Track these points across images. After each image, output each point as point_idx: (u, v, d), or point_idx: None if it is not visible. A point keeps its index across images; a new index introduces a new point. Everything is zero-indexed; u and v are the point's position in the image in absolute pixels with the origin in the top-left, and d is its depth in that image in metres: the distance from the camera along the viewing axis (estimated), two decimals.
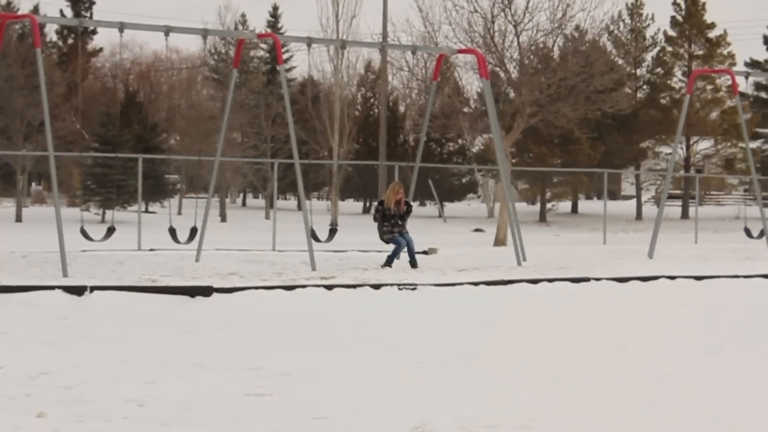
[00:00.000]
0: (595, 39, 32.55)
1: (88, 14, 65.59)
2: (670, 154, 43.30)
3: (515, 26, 28.48)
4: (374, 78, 60.13)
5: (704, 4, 55.97)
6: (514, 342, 9.81)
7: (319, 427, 6.19)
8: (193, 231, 16.40)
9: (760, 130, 56.62)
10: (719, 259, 18.83)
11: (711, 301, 13.11)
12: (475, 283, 13.05)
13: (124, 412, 6.37)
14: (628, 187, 69.55)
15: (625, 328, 10.91)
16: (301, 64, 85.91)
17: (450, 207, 58.18)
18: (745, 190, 64.04)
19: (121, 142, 43.77)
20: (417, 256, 16.19)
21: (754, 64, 58.73)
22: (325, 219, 30.49)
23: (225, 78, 47.74)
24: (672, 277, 14.33)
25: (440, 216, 49.11)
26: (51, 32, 64.59)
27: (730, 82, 46.44)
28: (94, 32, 67.15)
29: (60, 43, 65.90)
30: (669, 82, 56.20)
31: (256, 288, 12.09)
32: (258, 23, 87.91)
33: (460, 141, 58.49)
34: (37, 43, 14.58)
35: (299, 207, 20.23)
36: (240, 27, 59.76)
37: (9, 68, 40.81)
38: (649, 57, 57.14)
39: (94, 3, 66.34)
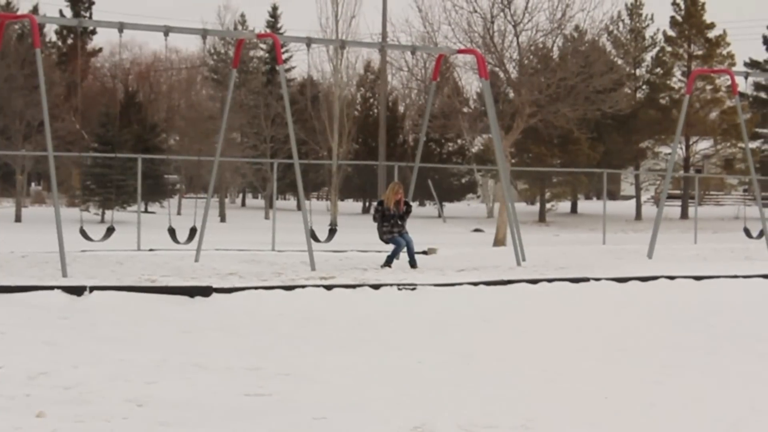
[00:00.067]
0: (594, 39, 32.57)
1: (87, 14, 65.60)
2: (669, 154, 43.30)
3: (515, 26, 28.49)
4: (374, 78, 60.15)
5: (704, 4, 56.00)
6: (514, 342, 9.81)
7: (318, 427, 6.19)
8: (193, 231, 16.39)
9: (760, 130, 56.66)
10: (718, 260, 18.82)
11: (710, 301, 13.11)
12: (475, 283, 13.05)
13: (123, 412, 6.37)
14: (627, 187, 69.58)
15: (624, 328, 10.91)
16: (300, 64, 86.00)
17: (449, 207, 58.18)
18: (745, 190, 64.07)
19: (120, 142, 43.79)
20: (416, 256, 16.18)
21: (753, 64, 58.77)
22: (325, 219, 30.48)
23: (224, 78, 47.75)
24: (671, 277, 14.32)
25: (440, 216, 49.11)
26: (50, 32, 64.67)
27: (729, 82, 46.48)
28: (93, 32, 67.16)
29: (59, 43, 65.90)
30: (668, 82, 56.23)
31: (256, 288, 12.08)
32: (257, 23, 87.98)
33: (459, 141, 58.52)
34: (37, 44, 14.57)
35: (299, 207, 20.24)
36: (239, 27, 59.80)
37: (8, 68, 40.82)
38: (648, 57, 57.22)
39: (93, 3, 66.37)
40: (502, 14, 28.31)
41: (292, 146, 16.16)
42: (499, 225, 27.30)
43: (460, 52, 22.30)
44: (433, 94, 20.32)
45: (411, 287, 12.58)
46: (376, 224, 16.17)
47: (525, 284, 13.32)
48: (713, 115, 55.11)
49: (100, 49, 68.69)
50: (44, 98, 14.49)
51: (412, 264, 15.77)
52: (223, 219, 47.02)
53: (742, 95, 51.86)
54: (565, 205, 58.97)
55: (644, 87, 56.75)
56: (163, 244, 18.32)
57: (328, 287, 12.33)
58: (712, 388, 7.67)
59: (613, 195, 68.59)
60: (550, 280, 13.63)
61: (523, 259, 16.93)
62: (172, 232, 16.05)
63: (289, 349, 9.01)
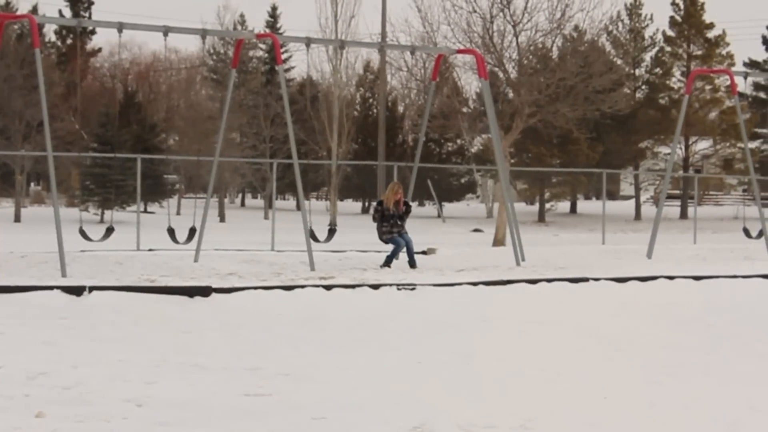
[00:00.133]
0: (593, 39, 32.57)
1: (86, 14, 65.57)
2: (668, 154, 43.33)
3: (514, 26, 28.49)
4: (373, 78, 60.15)
5: (703, 4, 56.01)
6: (513, 342, 9.81)
7: (317, 427, 6.19)
8: (192, 231, 16.39)
9: (759, 130, 56.66)
10: (718, 260, 18.83)
11: (710, 301, 13.11)
12: (474, 283, 13.05)
13: (123, 412, 6.37)
14: (626, 187, 69.59)
15: (623, 328, 10.91)
16: (300, 64, 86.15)
17: (449, 207, 58.19)
18: (744, 190, 64.10)
19: (119, 142, 43.79)
20: (416, 256, 16.18)
21: (752, 64, 58.81)
22: (324, 219, 30.49)
23: (224, 78, 47.76)
24: (671, 277, 14.32)
25: (439, 216, 49.11)
26: (50, 32, 64.65)
27: (728, 82, 46.59)
28: (92, 32, 67.15)
29: (59, 43, 65.87)
30: (668, 82, 56.24)
31: (255, 288, 12.09)
32: (257, 23, 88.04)
33: (458, 141, 58.54)
34: (36, 44, 14.57)
35: (298, 207, 20.24)
36: (239, 27, 59.82)
37: (8, 68, 40.82)
38: (647, 57, 57.24)
39: (92, 3, 66.33)
40: (501, 14, 28.32)
41: (292, 146, 16.16)
42: (499, 225, 27.30)
43: (459, 52, 22.31)
44: (433, 94, 20.32)
45: (410, 287, 12.58)
46: (375, 224, 16.18)
47: (524, 284, 13.32)
48: (712, 115, 55.13)
49: (100, 49, 68.69)
50: (43, 98, 14.49)
51: (412, 264, 15.77)
52: (222, 219, 47.02)
53: (742, 95, 51.89)
54: (564, 205, 58.98)
55: (643, 87, 56.77)
56: (163, 244, 18.32)
57: (328, 287, 12.33)
58: (712, 387, 7.67)
59: (613, 195, 68.61)
60: (549, 280, 13.64)
61: (523, 259, 16.93)
62: (171, 232, 16.05)
63: (289, 349, 9.01)
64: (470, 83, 40.30)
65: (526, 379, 7.85)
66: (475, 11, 28.23)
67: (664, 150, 55.61)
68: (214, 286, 11.95)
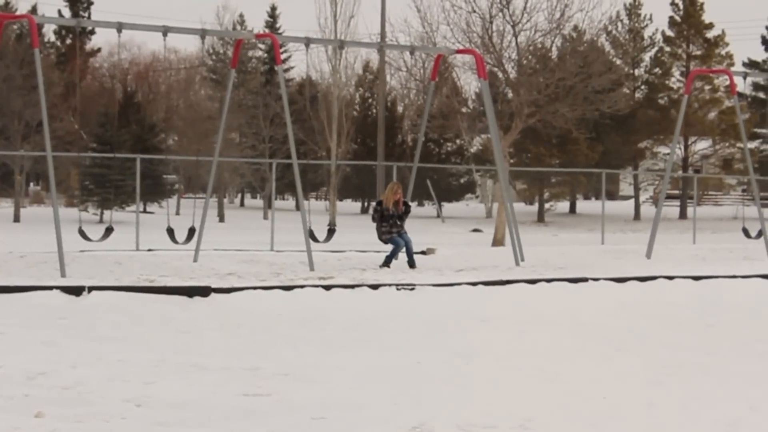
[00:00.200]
0: (593, 39, 32.58)
1: (86, 14, 65.58)
2: (668, 154, 43.33)
3: (513, 26, 28.48)
4: (372, 78, 60.16)
5: (702, 4, 56.03)
6: (512, 342, 9.80)
7: (317, 427, 6.18)
8: (191, 231, 16.39)
9: (758, 131, 56.69)
10: (717, 260, 18.84)
11: (709, 301, 13.11)
12: (473, 284, 13.05)
13: (122, 412, 6.37)
14: (626, 188, 69.61)
15: (623, 328, 10.91)
16: (299, 64, 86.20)
17: (448, 207, 58.20)
18: (743, 191, 64.12)
19: (119, 143, 43.79)
20: (415, 257, 16.19)
21: (752, 64, 58.84)
22: (324, 219, 30.47)
23: (223, 78, 47.80)
24: (670, 278, 14.32)
25: (438, 216, 49.12)
26: (49, 32, 64.65)
27: (728, 83, 46.59)
28: (92, 32, 67.14)
29: (58, 43, 65.86)
30: (667, 82, 56.27)
31: (255, 288, 12.08)
32: (256, 23, 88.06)
33: (458, 141, 58.57)
34: (35, 44, 14.57)
35: (297, 207, 20.23)
36: (238, 27, 59.84)
37: (7, 68, 40.81)
38: (647, 57, 57.28)
39: (92, 3, 66.35)
40: (500, 14, 28.31)
41: (291, 146, 16.16)
42: (498, 225, 27.30)
43: (458, 52, 22.32)
44: (432, 94, 20.32)
45: (410, 287, 12.58)
46: (375, 224, 16.18)
47: (524, 284, 13.32)
48: (712, 115, 55.16)
49: (99, 49, 68.69)
50: (43, 98, 14.49)
51: (411, 264, 15.78)
52: (221, 219, 47.02)
53: (741, 95, 51.89)
54: (563, 205, 58.99)
55: (643, 87, 56.79)
56: (162, 244, 18.32)
57: (327, 287, 12.33)
58: (712, 387, 7.67)
59: (612, 195, 68.63)
60: (548, 281, 13.64)
61: (522, 260, 16.93)
62: (170, 232, 16.05)
63: (288, 349, 9.01)
64: (469, 83, 40.36)
65: (525, 379, 7.85)
66: (474, 11, 28.25)
67: (663, 150, 55.63)
68: (213, 286, 11.94)
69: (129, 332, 9.59)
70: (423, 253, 19.61)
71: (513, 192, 42.43)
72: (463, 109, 36.35)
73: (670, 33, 56.51)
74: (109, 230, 15.59)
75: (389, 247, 16.08)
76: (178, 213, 44.04)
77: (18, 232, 30.56)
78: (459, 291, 12.72)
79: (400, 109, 61.42)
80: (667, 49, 56.52)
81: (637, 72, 56.68)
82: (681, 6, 56.14)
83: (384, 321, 10.87)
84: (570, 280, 13.76)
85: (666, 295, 13.39)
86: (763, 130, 57.47)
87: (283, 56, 53.13)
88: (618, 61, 50.88)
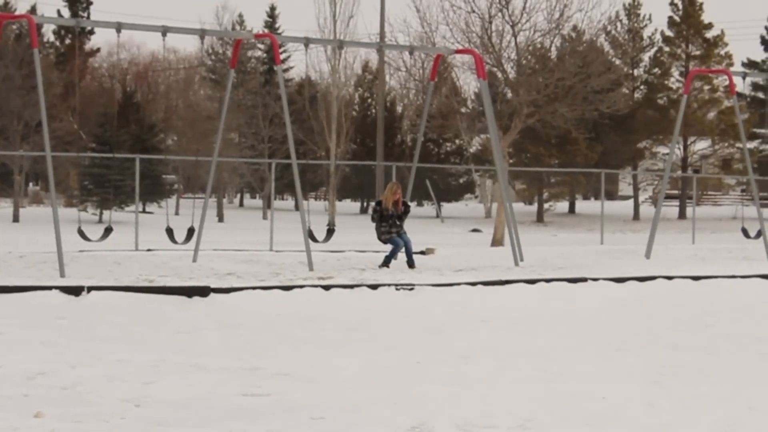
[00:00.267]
0: (592, 39, 32.60)
1: (85, 14, 65.54)
2: (667, 154, 43.33)
3: (512, 26, 28.49)
4: (372, 78, 60.15)
5: (701, 4, 56.04)
6: (512, 342, 9.80)
7: (316, 427, 6.18)
8: (191, 231, 16.40)
9: (758, 131, 56.70)
10: (716, 260, 18.84)
11: (708, 301, 13.11)
12: (473, 284, 13.05)
13: (121, 412, 6.36)
14: (625, 188, 69.62)
15: (622, 328, 10.91)
16: (298, 64, 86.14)
17: (447, 207, 58.20)
18: (743, 191, 64.14)
19: (118, 143, 43.76)
20: (414, 257, 16.19)
21: (751, 64, 58.86)
22: (323, 219, 30.47)
23: (222, 78, 47.83)
24: (669, 278, 14.32)
25: (438, 216, 49.12)
26: (48, 32, 64.62)
27: (727, 83, 46.54)
28: (91, 32, 67.11)
29: (57, 43, 65.83)
30: (666, 82, 56.28)
31: (254, 288, 12.09)
32: (255, 23, 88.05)
33: (457, 141, 58.57)
34: (35, 44, 14.57)
35: (296, 207, 20.24)
36: (237, 27, 59.83)
37: (6, 68, 40.81)
38: (646, 57, 57.29)
39: (91, 3, 66.31)
40: (500, 14, 28.32)
41: (290, 146, 16.16)
42: (497, 225, 27.31)
43: (458, 52, 22.34)
44: (431, 94, 20.33)
45: (409, 287, 12.58)
46: (374, 224, 16.18)
47: (523, 284, 13.32)
48: (711, 115, 55.17)
49: (98, 50, 68.67)
50: (42, 98, 14.48)
51: (410, 264, 15.78)
52: (221, 219, 47.02)
53: (740, 95, 51.92)
54: (563, 206, 58.99)
55: (642, 87, 56.80)
56: (161, 244, 18.32)
57: (326, 287, 12.33)
58: (711, 387, 7.66)
59: (611, 195, 68.64)
60: (548, 281, 13.64)
61: (521, 260, 16.93)
62: (170, 232, 16.05)
63: (287, 349, 9.00)
64: (469, 83, 40.36)
65: (524, 379, 7.85)
66: (473, 11, 28.26)
67: (662, 150, 55.64)
68: (212, 286, 11.94)
69: (128, 332, 9.59)
70: (422, 253, 19.61)
71: (512, 192, 42.43)
72: (463, 109, 36.35)
73: (669, 33, 56.52)
74: (108, 230, 15.59)
75: (388, 247, 16.09)
76: (177, 213, 44.04)
77: (17, 232, 30.56)
78: (458, 291, 12.72)
79: (399, 109, 61.42)
80: (667, 49, 56.53)
81: (636, 72, 56.70)
82: (680, 6, 56.15)
83: (383, 321, 10.87)
84: (569, 280, 13.76)
85: (665, 295, 13.39)
86: (763, 130, 57.46)
87: (282, 56, 53.18)
88: (617, 61, 50.90)
